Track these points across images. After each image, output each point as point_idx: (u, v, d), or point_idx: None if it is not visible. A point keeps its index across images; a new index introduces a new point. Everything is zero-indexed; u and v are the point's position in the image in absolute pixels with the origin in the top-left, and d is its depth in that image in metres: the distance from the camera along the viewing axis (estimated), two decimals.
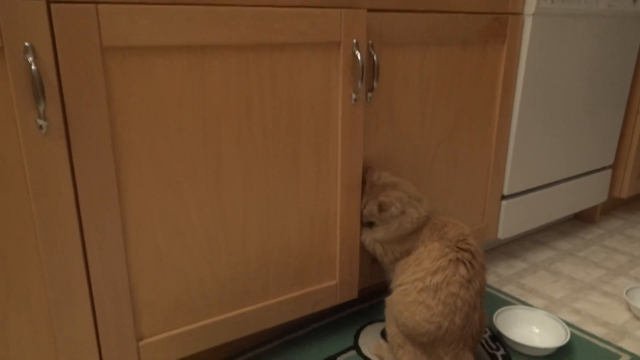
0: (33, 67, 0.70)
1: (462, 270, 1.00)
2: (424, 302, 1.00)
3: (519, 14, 1.34)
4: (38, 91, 0.70)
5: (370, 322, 1.30)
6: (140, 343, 0.92)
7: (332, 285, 1.14)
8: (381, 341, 1.20)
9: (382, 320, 1.29)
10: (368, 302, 1.39)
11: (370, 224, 1.14)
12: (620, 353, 1.19)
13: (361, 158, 1.09)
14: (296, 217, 1.04)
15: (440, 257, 1.02)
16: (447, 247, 1.02)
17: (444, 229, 1.06)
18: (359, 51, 1.00)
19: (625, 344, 1.24)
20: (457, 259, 1.01)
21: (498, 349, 1.20)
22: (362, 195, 1.13)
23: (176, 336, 0.96)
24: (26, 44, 0.69)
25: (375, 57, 1.06)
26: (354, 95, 1.03)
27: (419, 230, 1.08)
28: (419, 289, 1.01)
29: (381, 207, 1.07)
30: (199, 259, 0.94)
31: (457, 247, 1.02)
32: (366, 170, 1.14)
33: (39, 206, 0.76)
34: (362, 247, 1.18)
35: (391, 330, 1.06)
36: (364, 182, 1.14)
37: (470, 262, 1.01)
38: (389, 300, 1.08)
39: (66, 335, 0.84)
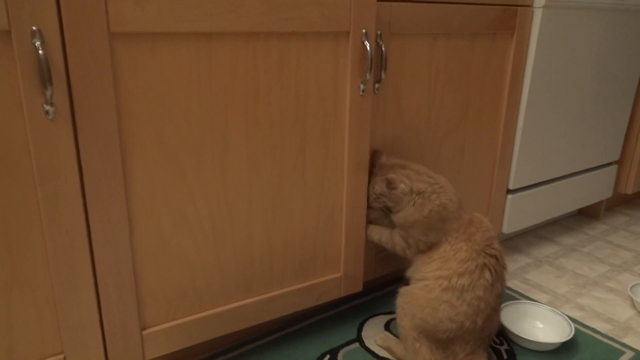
0: (40, 52, 0.69)
1: (487, 275, 1.01)
2: (448, 301, 1.00)
3: (528, 6, 1.32)
4: (45, 76, 0.70)
5: (374, 315, 1.29)
6: (144, 332, 0.92)
7: (336, 277, 1.13)
8: (387, 333, 1.19)
9: (386, 313, 1.29)
10: (372, 294, 1.38)
11: (388, 210, 1.11)
12: (624, 349, 1.18)
13: (368, 151, 1.08)
14: (301, 209, 1.03)
15: (467, 259, 1.01)
16: (475, 252, 1.01)
17: (470, 227, 1.05)
18: (368, 42, 0.99)
19: (629, 340, 1.23)
20: (484, 264, 1.01)
21: (502, 344, 1.20)
22: (371, 177, 1.11)
23: (180, 326, 0.95)
24: (34, 28, 0.68)
25: (383, 48, 1.05)
26: (362, 86, 1.02)
27: (444, 220, 1.05)
28: (443, 287, 1.00)
29: (389, 184, 1.05)
30: (204, 248, 0.94)
31: (485, 253, 1.02)
32: (374, 153, 1.12)
33: (44, 192, 0.75)
34: (368, 241, 1.17)
35: (405, 323, 1.05)
36: (372, 166, 1.12)
37: (495, 268, 1.02)
38: (407, 292, 1.06)
39: (70, 322, 0.83)
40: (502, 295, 1.05)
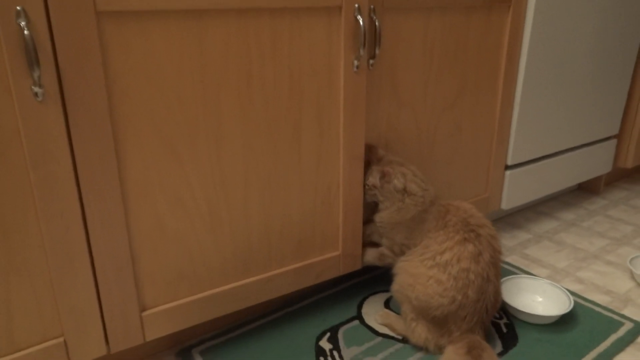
0: (26, 32, 0.68)
1: (470, 247, 1.01)
2: (434, 276, 1.01)
3: None
4: (32, 57, 0.69)
5: (374, 293, 1.30)
6: (144, 313, 0.92)
7: (335, 256, 1.13)
8: (387, 310, 1.20)
9: (385, 290, 1.30)
10: (371, 273, 1.39)
11: (375, 206, 1.14)
12: (623, 320, 1.19)
13: (364, 127, 1.07)
14: (298, 187, 1.03)
15: (446, 240, 1.03)
16: (452, 232, 1.04)
17: (447, 216, 1.06)
18: (361, 16, 0.97)
19: (629, 312, 1.24)
20: (464, 239, 1.02)
21: (501, 318, 1.20)
22: (367, 170, 1.12)
23: (179, 307, 0.96)
24: (18, 7, 0.67)
25: (377, 23, 1.03)
26: (355, 62, 1.00)
27: (424, 220, 1.07)
28: (429, 266, 1.03)
29: (383, 177, 1.07)
30: (201, 229, 0.94)
31: (462, 230, 1.03)
32: (369, 148, 1.12)
33: (37, 175, 0.75)
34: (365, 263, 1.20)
35: (405, 307, 1.08)
36: (368, 162, 1.12)
37: (477, 239, 1.02)
38: (398, 277, 1.09)
39: (69, 305, 0.83)
40: (496, 264, 1.04)
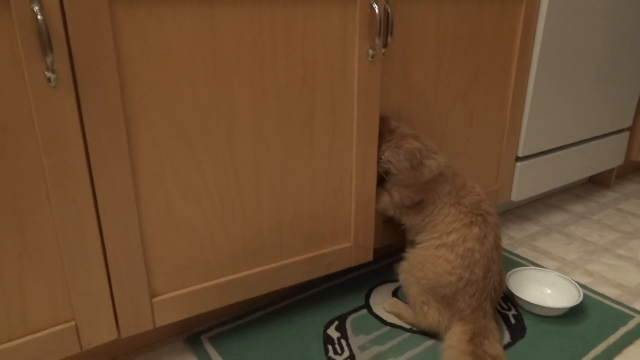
0: (39, 17, 0.67)
1: (476, 230, 1.05)
2: (443, 256, 1.04)
3: None
4: (45, 42, 0.68)
5: (382, 283, 1.30)
6: (154, 300, 0.92)
7: (346, 247, 1.13)
8: (395, 299, 1.20)
9: (394, 280, 1.30)
10: (379, 263, 1.39)
11: (386, 174, 1.12)
12: (633, 314, 1.18)
13: (377, 118, 1.06)
14: (310, 177, 1.03)
15: (454, 221, 1.07)
16: (462, 214, 1.07)
17: (461, 192, 1.09)
18: (377, 4, 0.96)
19: (639, 305, 1.23)
20: (471, 222, 1.06)
21: (510, 309, 1.20)
22: (380, 142, 1.10)
23: (189, 294, 0.96)
24: None
25: (389, 11, 1.02)
26: (370, 52, 0.99)
27: (438, 183, 1.09)
28: (436, 246, 1.06)
29: (399, 154, 1.06)
30: (212, 217, 0.94)
31: (472, 213, 1.07)
32: (382, 120, 1.11)
33: (50, 161, 0.75)
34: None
35: (412, 290, 1.08)
36: (380, 133, 1.11)
37: (483, 223, 1.06)
38: (406, 261, 1.10)
39: (81, 291, 0.84)
40: (498, 248, 1.08)
